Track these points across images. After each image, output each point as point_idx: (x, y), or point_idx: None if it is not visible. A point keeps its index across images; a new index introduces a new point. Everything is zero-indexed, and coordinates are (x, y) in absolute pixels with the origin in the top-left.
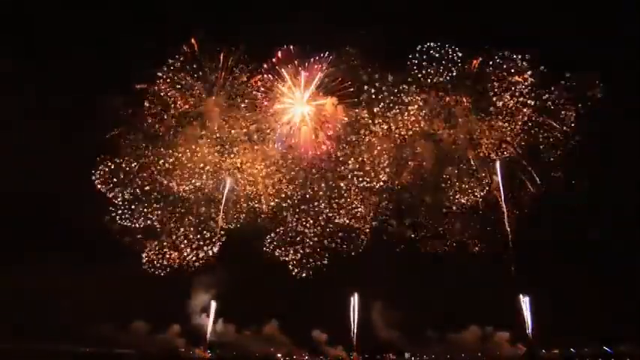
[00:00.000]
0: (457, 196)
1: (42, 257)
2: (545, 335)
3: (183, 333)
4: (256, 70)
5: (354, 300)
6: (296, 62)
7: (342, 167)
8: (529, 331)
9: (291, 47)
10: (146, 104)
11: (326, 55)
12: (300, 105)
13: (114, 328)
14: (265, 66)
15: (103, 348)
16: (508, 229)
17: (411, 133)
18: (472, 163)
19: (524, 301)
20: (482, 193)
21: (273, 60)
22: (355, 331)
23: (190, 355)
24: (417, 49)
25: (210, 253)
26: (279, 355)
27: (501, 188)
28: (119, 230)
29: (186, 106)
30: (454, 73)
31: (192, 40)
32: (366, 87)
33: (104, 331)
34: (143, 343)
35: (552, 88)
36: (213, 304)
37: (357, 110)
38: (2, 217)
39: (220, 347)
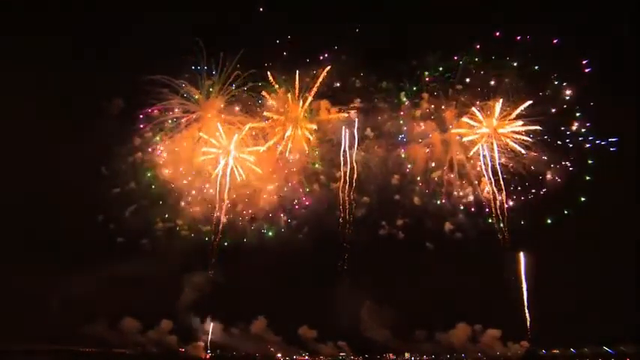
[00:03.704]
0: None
1: (40, 257)
2: (544, 335)
3: (174, 330)
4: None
5: None
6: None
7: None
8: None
9: (285, 53)
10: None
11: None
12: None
13: (106, 326)
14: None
15: (101, 347)
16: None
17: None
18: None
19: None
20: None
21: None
22: None
23: (190, 355)
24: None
25: None
26: (279, 355)
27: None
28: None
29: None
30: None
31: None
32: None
33: (96, 328)
34: (135, 340)
35: None
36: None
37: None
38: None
39: (211, 345)
